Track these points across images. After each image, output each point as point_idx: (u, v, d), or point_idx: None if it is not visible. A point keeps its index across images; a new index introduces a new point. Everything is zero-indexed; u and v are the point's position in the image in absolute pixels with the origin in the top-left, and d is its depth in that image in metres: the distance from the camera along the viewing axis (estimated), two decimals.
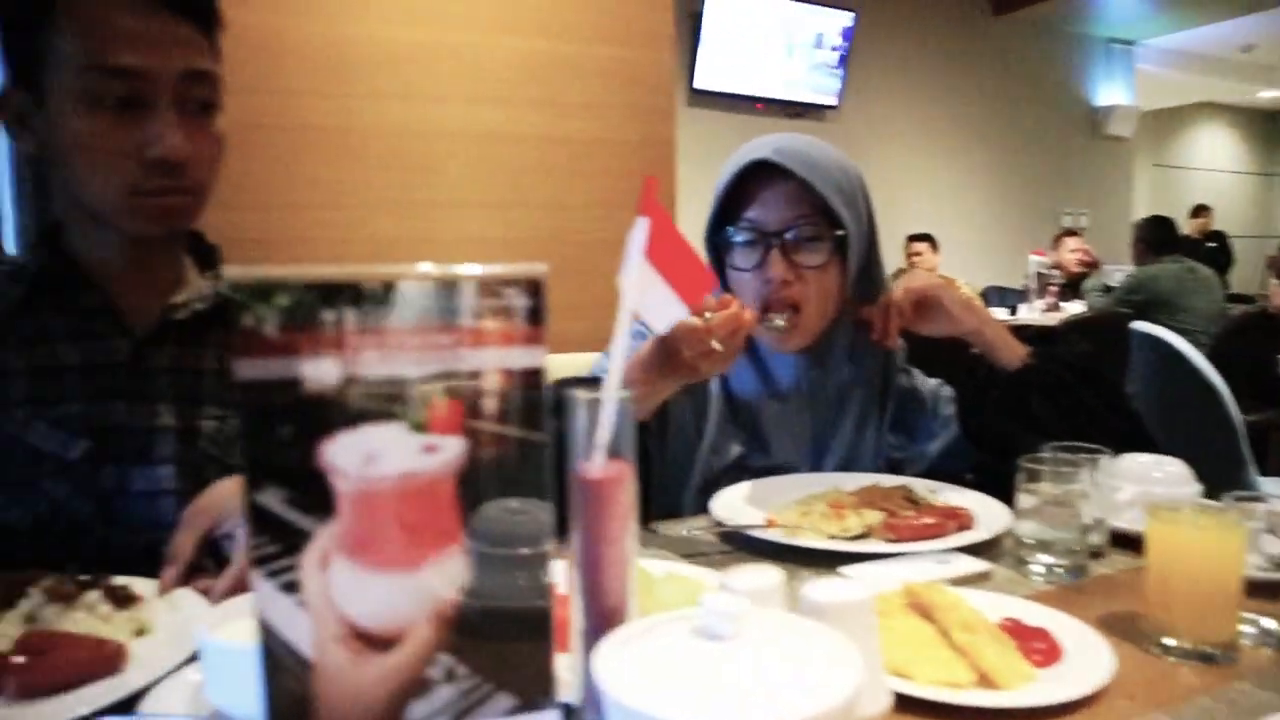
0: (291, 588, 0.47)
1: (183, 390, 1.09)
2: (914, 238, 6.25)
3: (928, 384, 1.42)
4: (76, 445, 1.03)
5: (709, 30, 5.97)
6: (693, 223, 1.31)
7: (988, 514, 1.14)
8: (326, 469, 0.46)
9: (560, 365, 1.92)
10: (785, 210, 1.27)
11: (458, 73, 2.17)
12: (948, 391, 1.41)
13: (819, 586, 0.63)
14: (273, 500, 0.46)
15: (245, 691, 0.61)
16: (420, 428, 0.48)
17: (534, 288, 0.49)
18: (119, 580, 0.88)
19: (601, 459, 0.58)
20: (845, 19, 6.53)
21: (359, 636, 0.48)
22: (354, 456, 0.47)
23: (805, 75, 6.51)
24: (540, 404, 0.49)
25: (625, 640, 0.53)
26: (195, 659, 0.74)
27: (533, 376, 0.49)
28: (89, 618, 0.81)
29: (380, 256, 2.14)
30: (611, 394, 0.58)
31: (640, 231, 0.65)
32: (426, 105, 2.12)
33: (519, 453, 0.49)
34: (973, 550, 1.05)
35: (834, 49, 6.57)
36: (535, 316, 0.49)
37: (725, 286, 1.34)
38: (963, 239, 7.09)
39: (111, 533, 1.05)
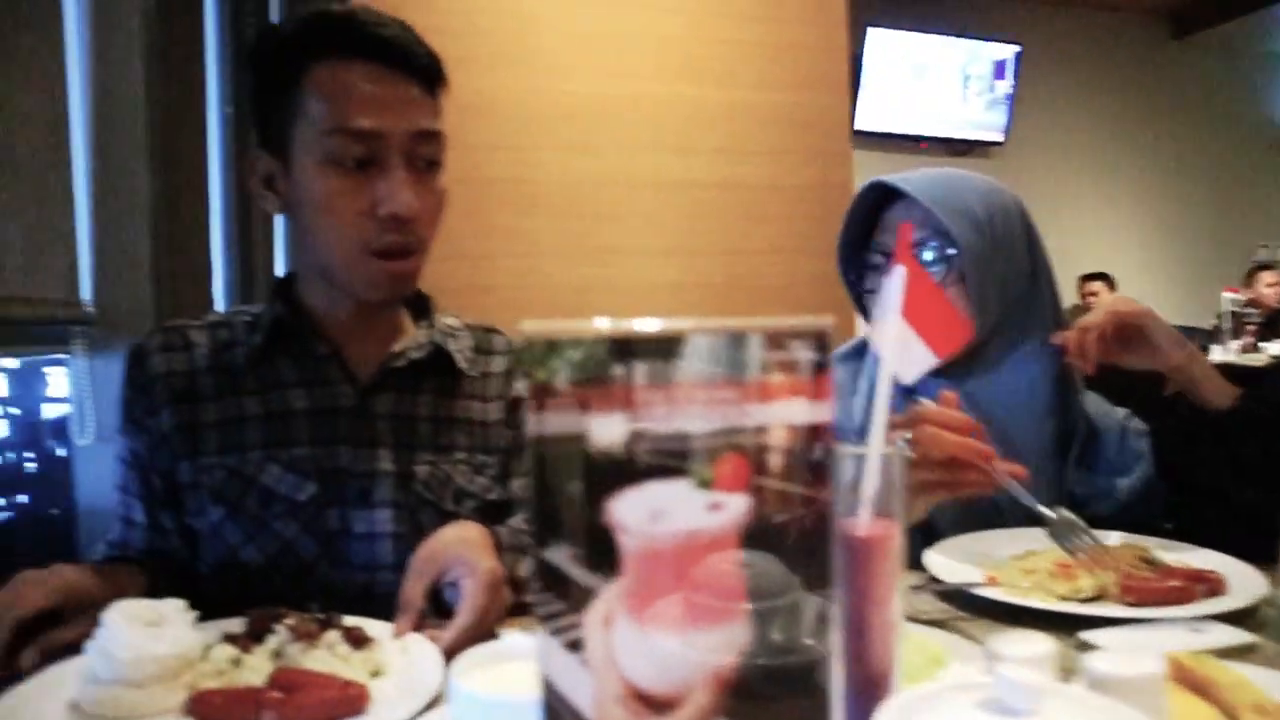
0: (575, 646, 0.46)
1: (400, 436, 1.13)
2: (1088, 277, 5.94)
3: (1114, 413, 1.31)
4: (305, 488, 1.09)
5: (870, 70, 5.90)
6: None
7: (1238, 576, 1.04)
8: (613, 526, 0.46)
9: None
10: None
11: (638, 123, 2.21)
12: (1138, 424, 1.30)
13: (1104, 658, 0.58)
14: (560, 557, 0.46)
15: None
16: (706, 484, 0.46)
17: (820, 340, 0.47)
18: (352, 620, 0.91)
19: (868, 516, 0.55)
20: (1010, 52, 6.33)
21: (639, 698, 0.47)
22: (640, 513, 0.46)
23: (969, 111, 6.34)
24: (826, 461, 0.47)
25: (904, 710, 0.50)
26: (432, 705, 0.76)
27: (818, 432, 0.47)
28: (330, 657, 0.84)
29: (559, 302, 2.20)
30: (877, 448, 0.56)
31: (896, 281, 0.63)
32: (607, 155, 2.16)
33: (803, 512, 0.47)
34: (1227, 619, 0.96)
35: (999, 83, 6.37)
36: (820, 369, 0.47)
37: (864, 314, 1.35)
38: (1142, 276, 6.68)
39: (333, 572, 1.09)
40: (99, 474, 1.71)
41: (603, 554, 0.46)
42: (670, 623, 0.47)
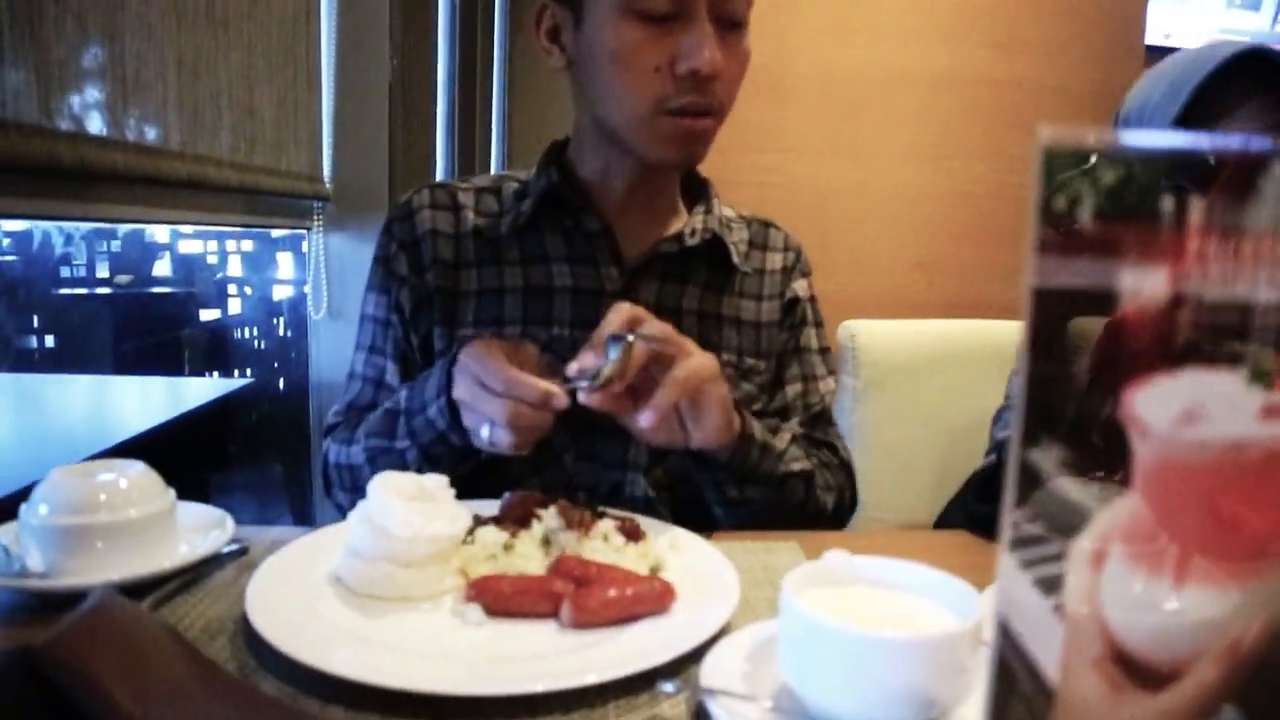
0: (1049, 585, 0.34)
1: None
2: None
3: None
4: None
5: None
6: None
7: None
8: (1129, 424, 0.32)
9: (994, 332, 1.72)
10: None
11: (901, 9, 2.00)
12: None
13: None
14: (1045, 461, 0.33)
15: (829, 676, 0.51)
16: (1266, 380, 0.32)
17: None
18: (618, 512, 0.84)
19: None
20: None
21: (1123, 663, 0.35)
22: (1169, 410, 0.32)
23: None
24: None
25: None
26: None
27: None
28: (606, 548, 0.76)
29: (803, 205, 2.05)
30: None
31: None
32: (866, 45, 1.97)
33: None
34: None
35: None
36: None
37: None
38: None
39: (581, 465, 1.02)
40: (331, 348, 1.73)
41: (1107, 462, 0.33)
42: (1187, 568, 0.34)
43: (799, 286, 1.13)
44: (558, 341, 1.02)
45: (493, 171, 2.51)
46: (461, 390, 0.86)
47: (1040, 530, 0.34)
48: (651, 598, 0.66)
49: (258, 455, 2.63)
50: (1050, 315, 0.32)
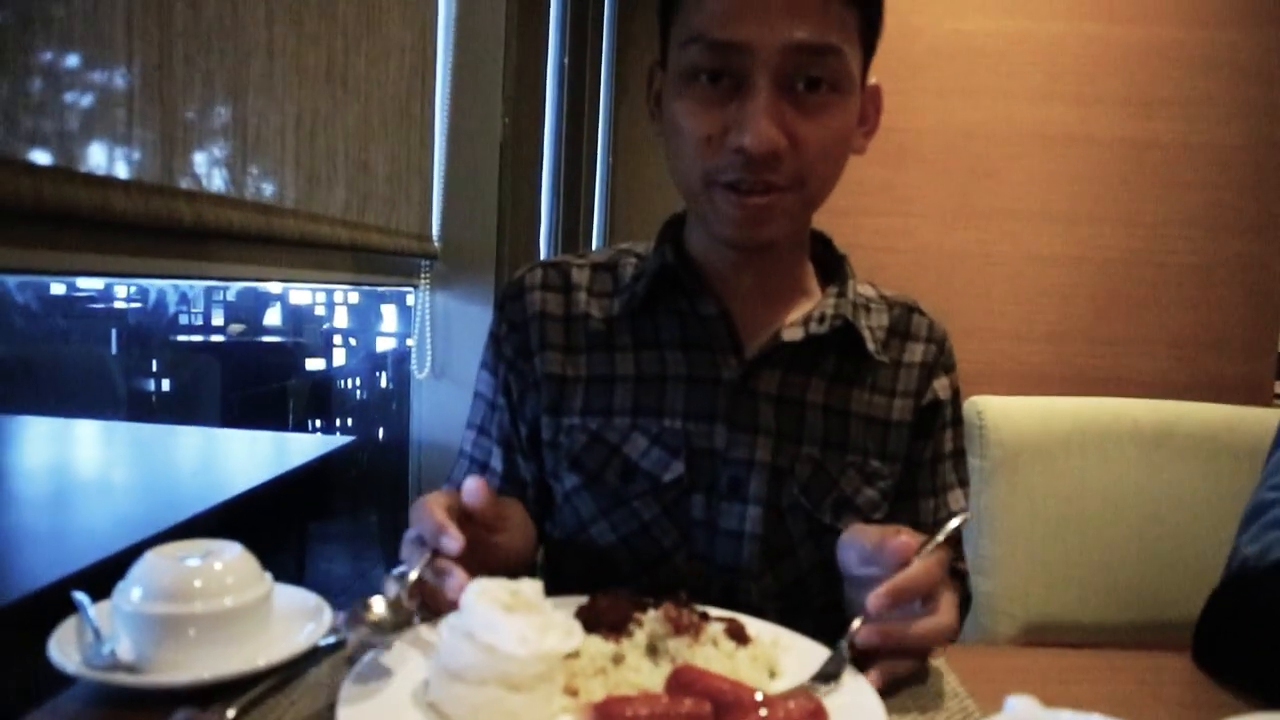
0: None
1: (784, 422, 0.94)
2: None
3: None
4: (673, 467, 0.93)
5: None
6: None
7: None
8: None
9: (1134, 411, 1.59)
10: None
11: (1029, 66, 1.93)
12: None
13: None
14: None
15: None
16: None
17: None
18: (721, 613, 0.77)
19: None
20: None
21: None
22: None
23: None
24: None
25: None
26: None
27: None
28: (718, 655, 0.69)
29: (927, 270, 1.96)
30: None
31: None
32: (991, 103, 1.90)
33: None
34: None
35: None
36: None
37: None
38: None
39: (690, 566, 0.94)
40: (433, 407, 1.72)
41: None
42: None
43: (940, 386, 1.01)
44: (669, 434, 0.94)
45: (595, 232, 2.50)
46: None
47: None
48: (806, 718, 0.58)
49: (357, 511, 2.64)
50: None
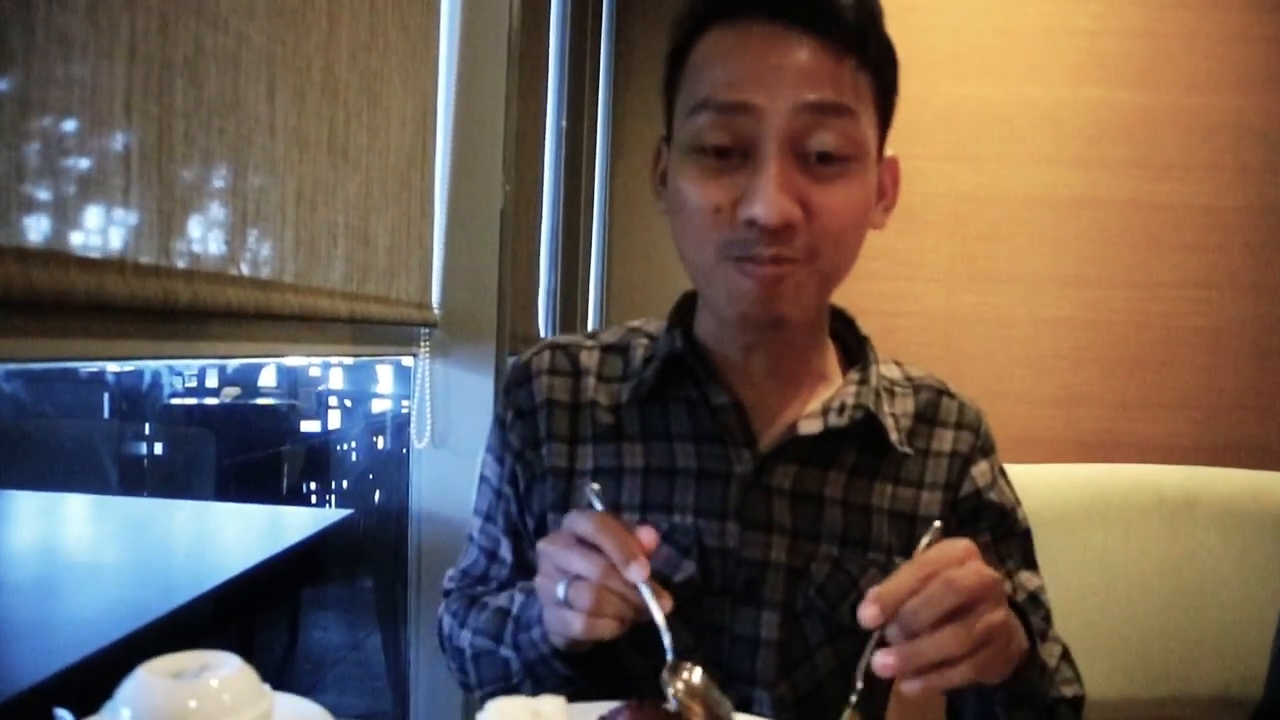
0: None
1: (800, 520, 0.88)
2: None
3: None
4: (684, 567, 0.87)
5: None
6: None
7: None
8: None
9: (1155, 478, 1.55)
10: None
11: (1034, 131, 1.93)
12: None
13: None
14: None
15: None
16: None
17: None
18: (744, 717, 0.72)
19: None
20: None
21: None
22: None
23: None
24: None
25: None
26: None
27: None
28: None
29: (933, 333, 1.94)
30: None
31: None
32: (998, 167, 1.90)
33: None
34: None
35: None
36: None
37: None
38: None
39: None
40: (432, 477, 1.68)
41: None
42: None
43: (979, 473, 0.94)
44: (679, 531, 0.88)
45: (592, 297, 2.48)
46: (546, 542, 0.76)
47: None
48: None
49: (353, 579, 2.58)
50: None
